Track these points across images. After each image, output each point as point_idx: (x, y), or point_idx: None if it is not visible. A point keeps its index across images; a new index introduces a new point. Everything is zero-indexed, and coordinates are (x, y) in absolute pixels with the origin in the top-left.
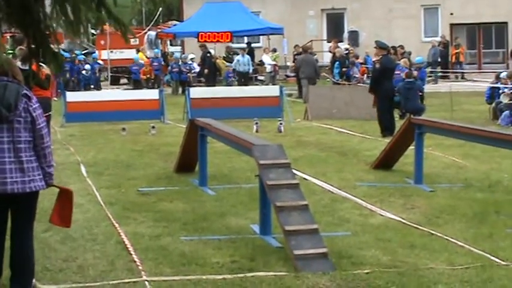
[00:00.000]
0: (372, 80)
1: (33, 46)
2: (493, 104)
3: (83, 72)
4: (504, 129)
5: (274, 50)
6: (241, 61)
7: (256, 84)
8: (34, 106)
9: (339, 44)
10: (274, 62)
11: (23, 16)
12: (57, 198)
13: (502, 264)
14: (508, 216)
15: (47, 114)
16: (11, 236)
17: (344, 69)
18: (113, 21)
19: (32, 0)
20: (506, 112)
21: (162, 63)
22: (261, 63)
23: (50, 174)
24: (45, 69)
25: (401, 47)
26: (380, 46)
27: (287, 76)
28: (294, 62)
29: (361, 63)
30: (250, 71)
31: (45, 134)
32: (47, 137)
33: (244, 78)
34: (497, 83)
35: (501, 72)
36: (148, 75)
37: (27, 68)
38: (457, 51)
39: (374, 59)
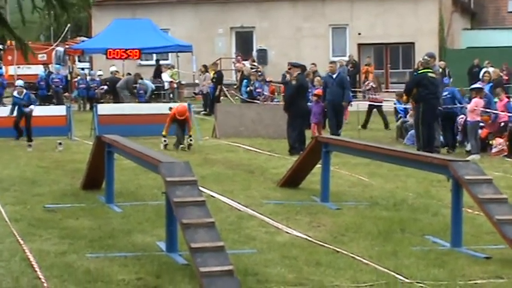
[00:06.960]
0: (287, 97)
1: None
2: (399, 123)
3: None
4: (409, 148)
5: (173, 67)
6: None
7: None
8: None
9: (244, 62)
10: (170, 79)
11: None
12: None
13: (406, 282)
14: (412, 234)
15: None
16: None
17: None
18: (14, 39)
19: None
20: (412, 131)
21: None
22: (161, 80)
23: None
24: None
25: (314, 64)
26: (294, 65)
27: (195, 94)
28: (212, 80)
29: (270, 82)
30: (149, 93)
31: None
32: None
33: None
34: (399, 103)
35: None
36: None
37: None
38: (367, 68)
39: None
